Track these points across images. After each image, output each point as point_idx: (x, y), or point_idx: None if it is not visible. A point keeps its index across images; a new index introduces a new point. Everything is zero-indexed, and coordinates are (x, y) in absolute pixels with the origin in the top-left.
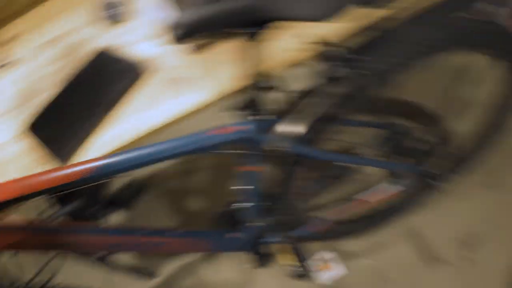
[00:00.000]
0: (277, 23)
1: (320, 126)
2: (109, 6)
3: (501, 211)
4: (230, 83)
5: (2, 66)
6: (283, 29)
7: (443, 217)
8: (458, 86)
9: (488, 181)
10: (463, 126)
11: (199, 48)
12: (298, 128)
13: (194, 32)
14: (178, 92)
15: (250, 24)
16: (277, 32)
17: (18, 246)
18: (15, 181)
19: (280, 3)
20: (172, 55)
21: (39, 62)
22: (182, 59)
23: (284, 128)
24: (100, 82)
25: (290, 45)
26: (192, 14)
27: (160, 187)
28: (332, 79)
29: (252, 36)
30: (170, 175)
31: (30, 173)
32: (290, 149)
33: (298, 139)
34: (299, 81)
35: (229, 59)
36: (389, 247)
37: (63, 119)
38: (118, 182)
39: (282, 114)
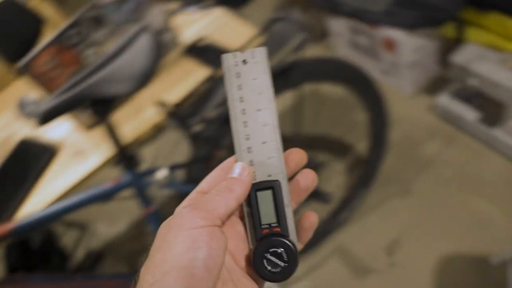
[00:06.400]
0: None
1: (194, 166)
2: (28, 104)
3: (413, 214)
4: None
5: None
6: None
7: (367, 229)
8: (333, 111)
9: (397, 190)
10: (356, 146)
11: (90, 127)
12: (162, 173)
13: (51, 116)
14: (79, 161)
15: (91, 105)
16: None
17: None
18: None
19: (103, 87)
20: (73, 135)
21: None
22: (80, 136)
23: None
24: (24, 164)
25: (149, 114)
26: (47, 103)
27: (116, 252)
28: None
29: (98, 113)
30: (123, 240)
31: None
32: (167, 189)
33: (169, 181)
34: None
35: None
36: (322, 266)
37: None
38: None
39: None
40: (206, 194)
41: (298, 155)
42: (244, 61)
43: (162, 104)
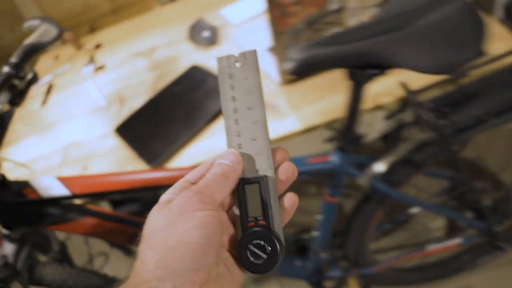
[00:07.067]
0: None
1: (401, 168)
2: (203, 29)
3: None
4: (316, 117)
5: (90, 62)
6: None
7: (502, 281)
8: None
9: None
10: None
11: (289, 80)
12: (380, 167)
13: (311, 68)
14: (270, 117)
15: (364, 68)
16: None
17: (100, 233)
18: (119, 174)
19: (399, 53)
20: (264, 83)
21: (128, 70)
22: (271, 88)
23: (368, 164)
24: (195, 96)
25: (381, 88)
26: (312, 51)
27: None
28: (419, 126)
29: (360, 78)
30: None
31: (118, 168)
32: (369, 185)
33: (378, 177)
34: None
35: (317, 93)
36: None
37: (152, 125)
38: None
39: (368, 151)
40: (202, 179)
41: (282, 153)
42: (237, 62)
43: (403, 86)
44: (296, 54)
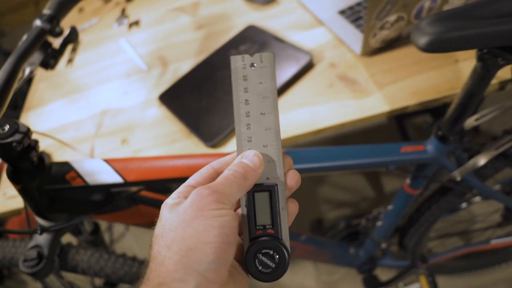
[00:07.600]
0: None
1: (496, 162)
2: None
3: None
4: (406, 97)
5: (121, 17)
6: None
7: None
8: None
9: None
10: None
11: (372, 51)
12: (480, 161)
13: (449, 45)
14: (351, 93)
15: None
16: None
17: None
18: (180, 157)
19: None
20: (336, 51)
21: (168, 28)
22: (348, 57)
23: (464, 156)
24: None
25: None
26: (452, 24)
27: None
28: None
29: (498, 62)
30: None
31: (165, 144)
32: (463, 179)
33: (475, 171)
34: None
35: (405, 69)
36: None
37: (205, 94)
38: None
39: (466, 142)
40: (220, 177)
41: (288, 161)
42: (252, 65)
43: None
44: (431, 27)
